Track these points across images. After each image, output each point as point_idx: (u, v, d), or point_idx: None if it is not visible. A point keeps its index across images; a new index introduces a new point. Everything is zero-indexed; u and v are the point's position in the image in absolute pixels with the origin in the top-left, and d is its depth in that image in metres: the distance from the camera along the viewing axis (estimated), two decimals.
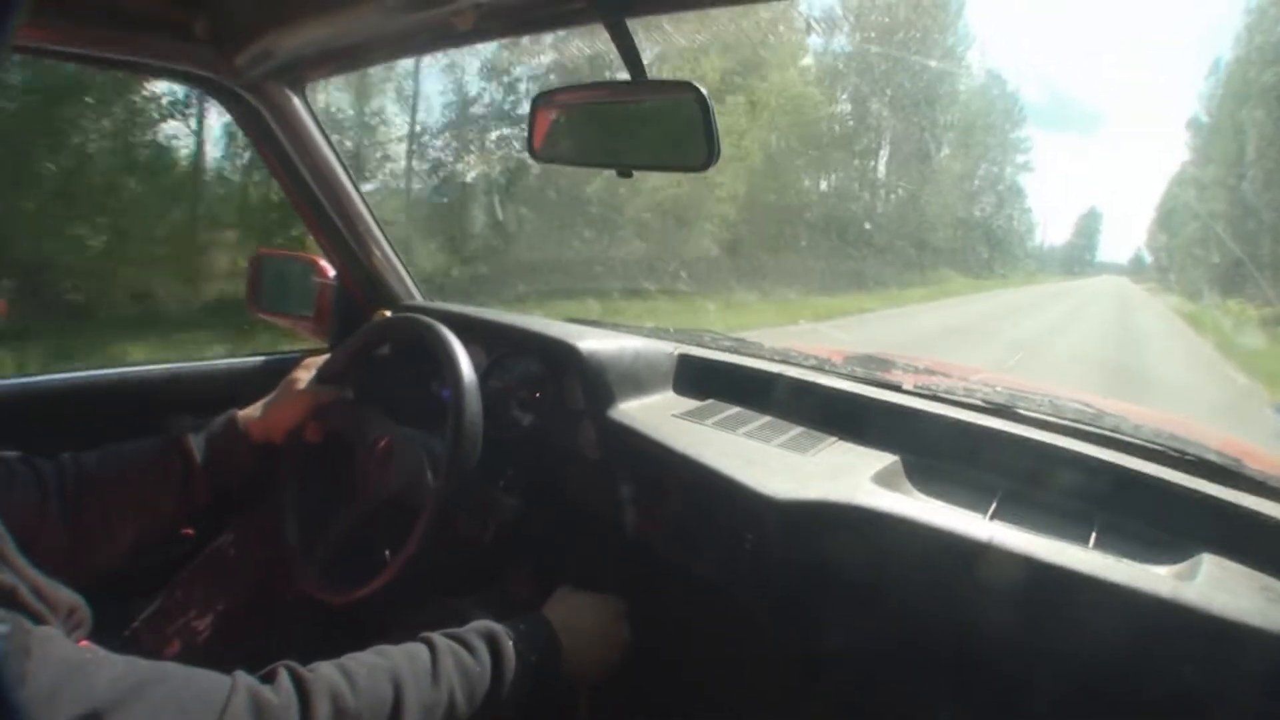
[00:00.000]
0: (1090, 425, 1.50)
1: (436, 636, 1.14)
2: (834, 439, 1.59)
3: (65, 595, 1.09)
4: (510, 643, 1.20)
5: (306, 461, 1.63)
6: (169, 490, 1.42)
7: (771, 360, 1.89)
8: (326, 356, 1.67)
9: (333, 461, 1.62)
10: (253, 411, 1.56)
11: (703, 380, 1.85)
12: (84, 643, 1.02)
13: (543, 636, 1.29)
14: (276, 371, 2.03)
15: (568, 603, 1.44)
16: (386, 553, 1.47)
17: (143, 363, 2.06)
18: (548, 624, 1.32)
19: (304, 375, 1.62)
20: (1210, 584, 1.09)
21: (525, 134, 1.53)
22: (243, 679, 0.93)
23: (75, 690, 0.77)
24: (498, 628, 1.21)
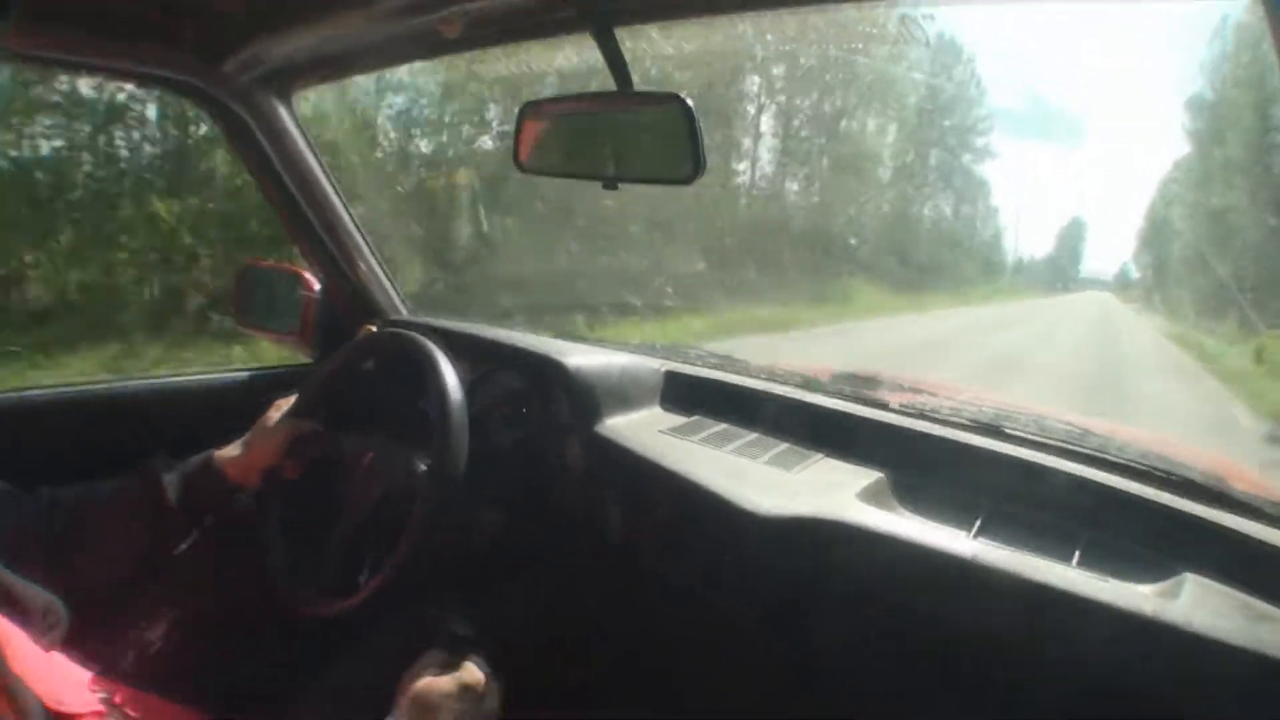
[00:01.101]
0: (1076, 444, 1.49)
1: None
2: (820, 456, 1.58)
3: (41, 596, 1.08)
4: None
5: (289, 493, 1.62)
6: (142, 530, 1.42)
7: (758, 377, 1.89)
8: (295, 396, 1.66)
9: (317, 486, 1.60)
10: (230, 452, 1.54)
11: (689, 396, 1.84)
12: (57, 648, 1.01)
13: None
14: (262, 385, 2.02)
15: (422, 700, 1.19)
16: (363, 573, 1.46)
17: (129, 377, 2.05)
18: None
19: (275, 415, 1.61)
20: (1193, 603, 1.09)
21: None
22: None
23: None
24: None
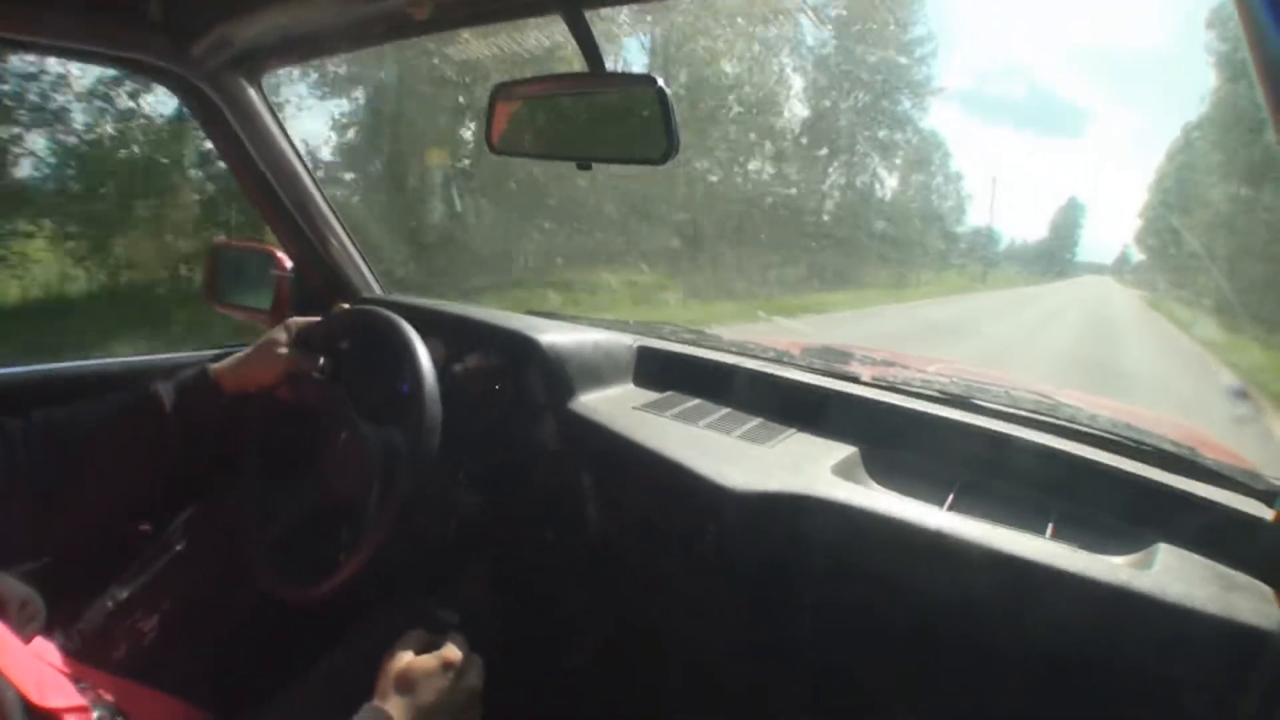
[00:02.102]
0: (1047, 415, 1.51)
1: None
2: (793, 430, 1.59)
3: (17, 589, 1.08)
4: None
5: (269, 434, 1.62)
6: (140, 441, 1.39)
7: (730, 352, 1.90)
8: (309, 319, 1.64)
9: (293, 443, 1.60)
10: (226, 365, 1.52)
11: (662, 373, 1.85)
12: (37, 639, 1.01)
13: None
14: None
15: (403, 679, 1.18)
16: (341, 555, 1.46)
17: (103, 357, 2.03)
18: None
19: (283, 337, 1.59)
20: (1166, 573, 1.11)
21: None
22: None
23: None
24: None
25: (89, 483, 1.33)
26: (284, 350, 1.57)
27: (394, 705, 1.10)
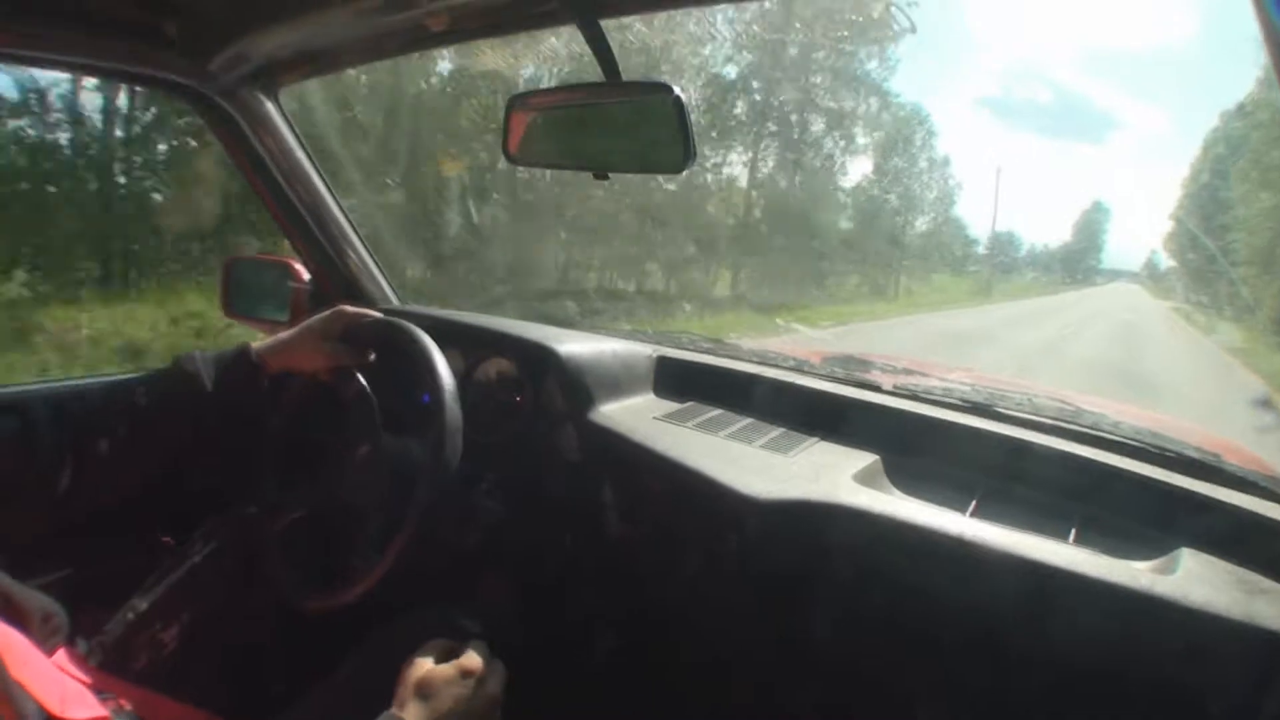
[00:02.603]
0: (1070, 422, 1.51)
1: None
2: (815, 439, 1.59)
3: (40, 601, 1.08)
4: None
5: (292, 425, 1.61)
6: (177, 417, 1.38)
7: (750, 361, 1.90)
8: (359, 311, 1.59)
9: (313, 440, 1.59)
10: (266, 346, 1.49)
11: (682, 382, 1.85)
12: (60, 650, 1.02)
13: None
14: None
15: (423, 687, 1.17)
16: (358, 563, 1.45)
17: (127, 371, 2.04)
18: None
19: (335, 328, 1.55)
20: (1188, 578, 1.10)
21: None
22: None
23: None
24: None
25: (124, 456, 1.32)
26: (329, 345, 1.54)
27: (412, 713, 1.09)
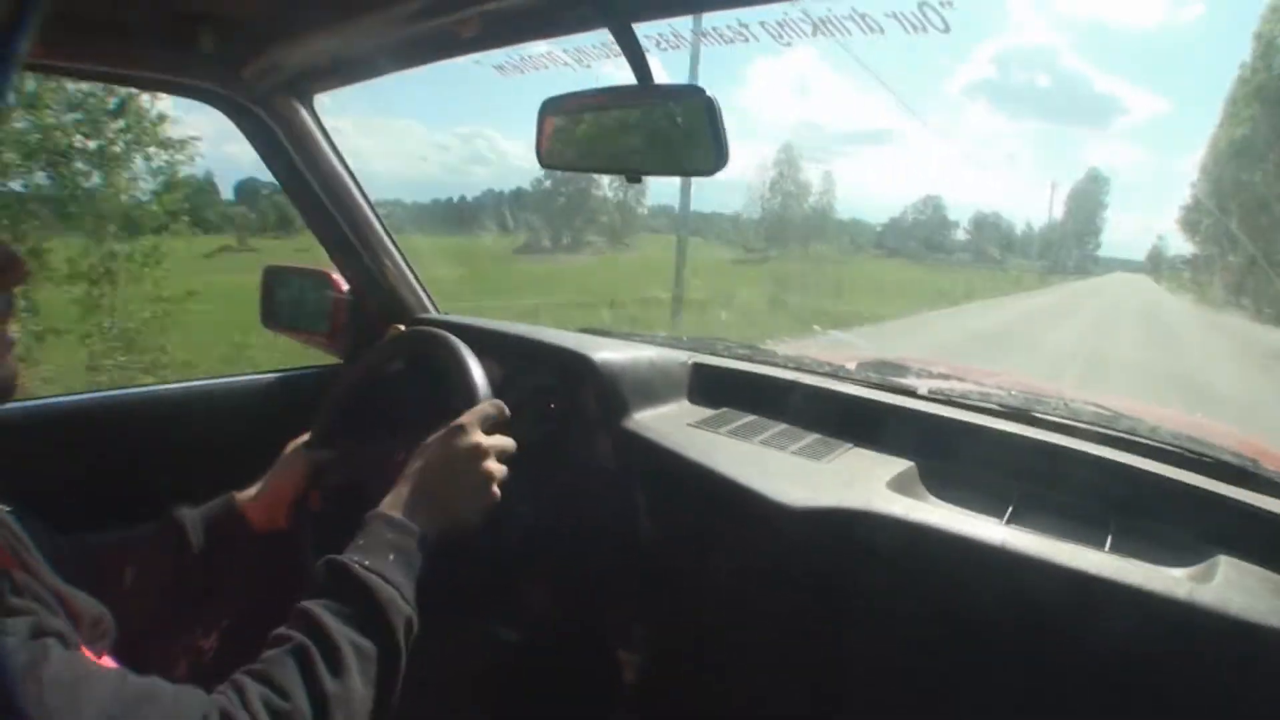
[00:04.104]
0: (1107, 428, 1.49)
1: (308, 606, 1.06)
2: (849, 445, 1.58)
3: (90, 606, 1.09)
4: (358, 567, 1.10)
5: (319, 525, 1.61)
6: (164, 578, 1.40)
7: (785, 368, 1.89)
8: (308, 432, 1.63)
9: (347, 512, 1.60)
10: (251, 493, 1.52)
11: (717, 389, 1.84)
12: (105, 656, 1.02)
13: (390, 532, 1.17)
14: (293, 387, 2.02)
15: (407, 475, 1.27)
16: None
17: (160, 382, 2.06)
18: (386, 519, 1.19)
19: (291, 448, 1.59)
20: (1227, 585, 1.09)
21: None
22: (218, 700, 0.91)
23: (65, 717, 0.77)
24: (337, 559, 1.11)
25: (122, 599, 1.34)
26: (294, 458, 1.57)
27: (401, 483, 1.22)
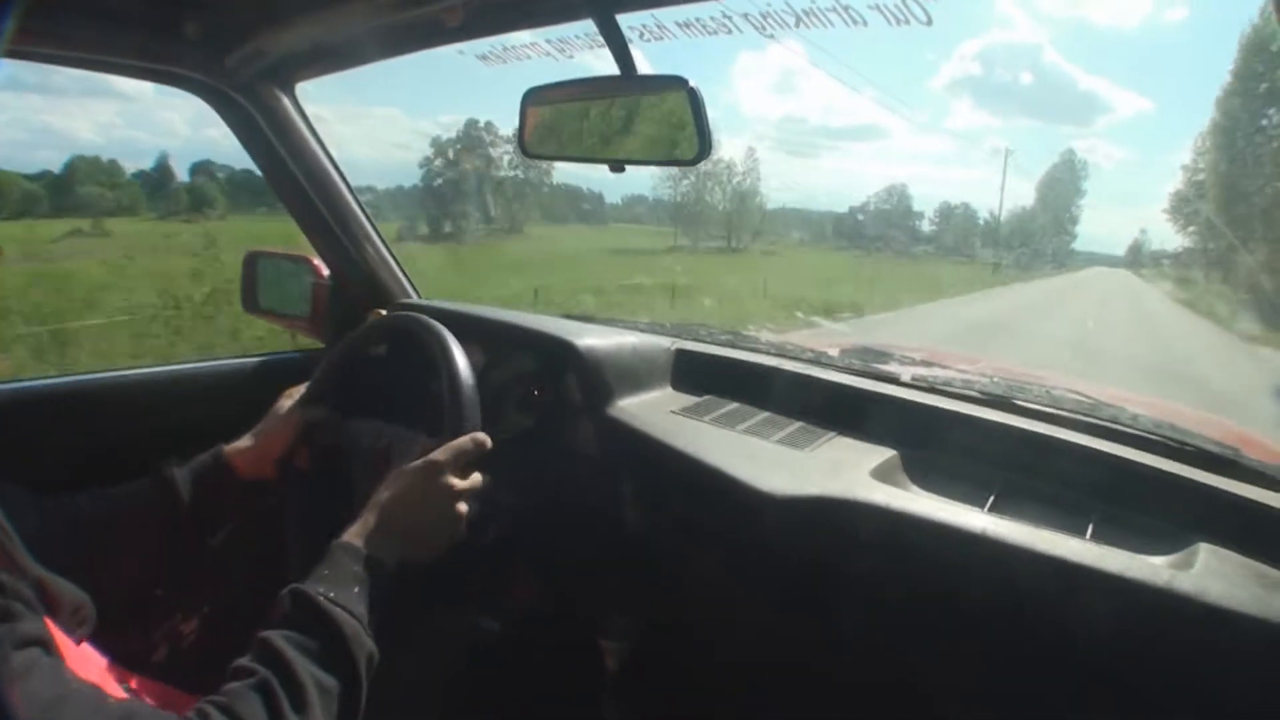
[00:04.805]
0: (1088, 415, 1.50)
1: (271, 638, 1.05)
2: (832, 434, 1.58)
3: (70, 594, 1.09)
4: (324, 600, 1.09)
5: (304, 487, 1.61)
6: (154, 533, 1.40)
7: (768, 354, 1.89)
8: (306, 384, 1.64)
9: (332, 479, 1.60)
10: (240, 445, 1.53)
11: (700, 375, 1.84)
12: (84, 643, 1.02)
13: (356, 568, 1.16)
14: (276, 371, 2.02)
15: (376, 504, 1.27)
16: None
17: (142, 366, 2.05)
18: (352, 550, 1.18)
19: (286, 403, 1.60)
20: (1207, 573, 1.10)
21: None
22: None
23: None
24: (302, 590, 1.10)
25: (115, 563, 1.35)
26: (288, 413, 1.58)
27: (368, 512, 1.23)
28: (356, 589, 1.12)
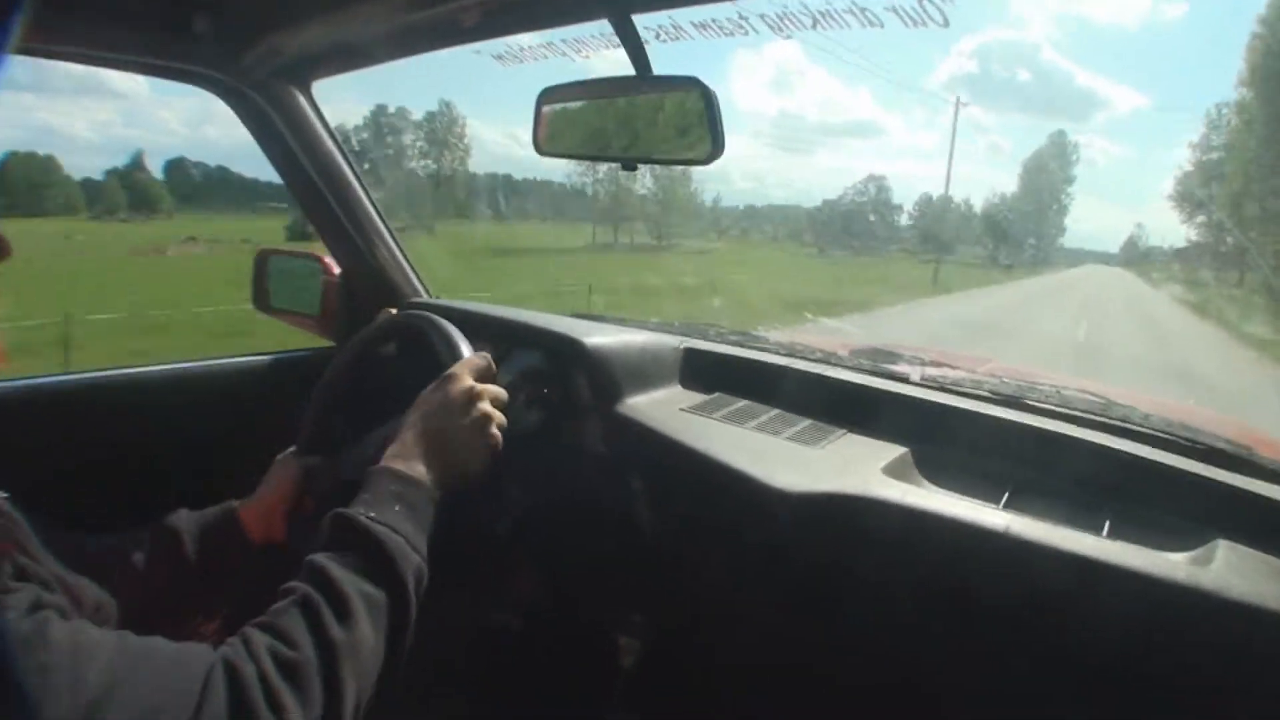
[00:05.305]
0: (1100, 415, 1.50)
1: (315, 558, 1.07)
2: (843, 431, 1.59)
3: (92, 591, 1.10)
4: (367, 521, 1.10)
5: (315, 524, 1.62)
6: (154, 584, 1.38)
7: (778, 353, 1.89)
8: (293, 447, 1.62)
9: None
10: (252, 501, 1.51)
11: (709, 374, 1.85)
12: None
13: (393, 486, 1.17)
14: (286, 368, 2.03)
15: (405, 427, 1.29)
16: None
17: (152, 363, 2.05)
18: (389, 473, 1.19)
19: (281, 458, 1.59)
20: (1226, 569, 1.10)
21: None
22: (223, 652, 0.93)
23: (68, 679, 0.77)
24: (343, 512, 1.12)
25: (106, 608, 1.34)
26: (285, 465, 1.57)
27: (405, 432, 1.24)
28: (398, 507, 1.13)
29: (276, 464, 1.57)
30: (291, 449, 1.61)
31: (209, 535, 1.44)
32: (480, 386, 1.30)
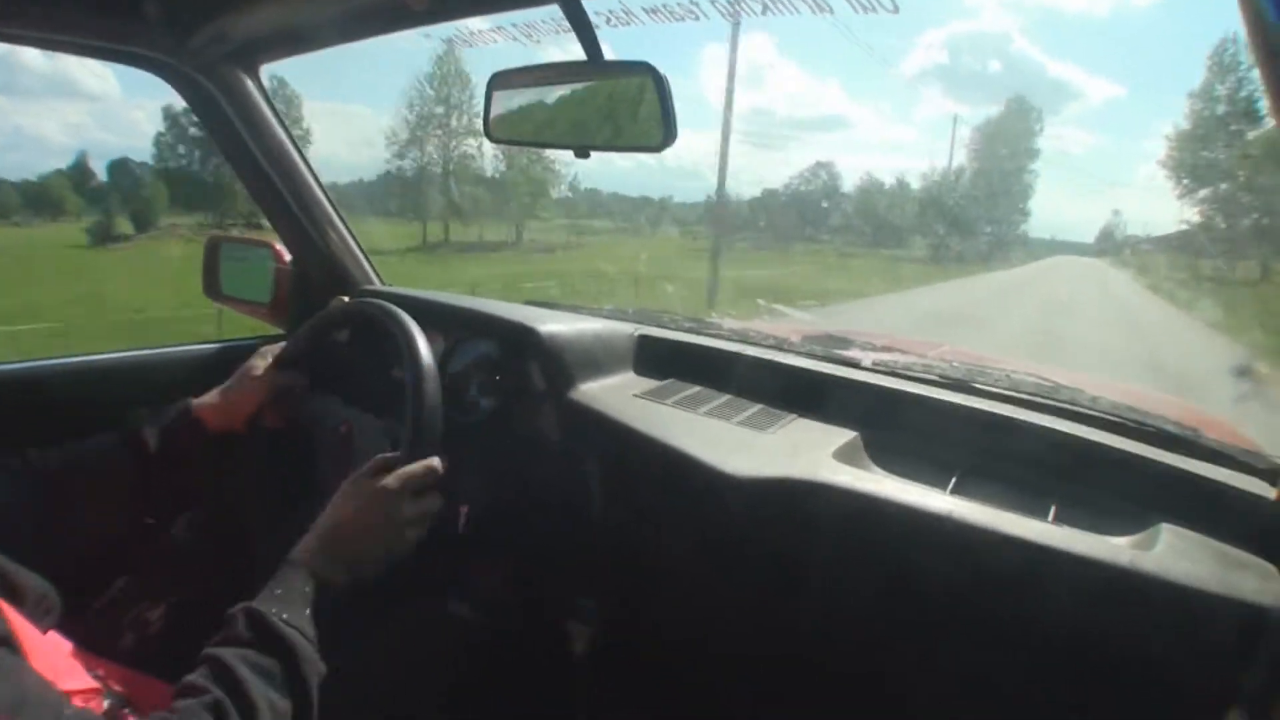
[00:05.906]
0: (1048, 398, 1.52)
1: (223, 656, 1.04)
2: (794, 416, 1.60)
3: (34, 583, 1.09)
4: (278, 619, 1.09)
5: (267, 454, 1.61)
6: (124, 485, 1.41)
7: (730, 339, 1.90)
8: (283, 344, 1.64)
9: (293, 453, 1.60)
10: (209, 399, 1.53)
11: (662, 360, 1.85)
12: (50, 632, 1.02)
13: (303, 583, 1.16)
14: (235, 358, 2.01)
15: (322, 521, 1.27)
16: None
17: (102, 352, 2.03)
18: (301, 569, 1.17)
19: (260, 363, 1.59)
20: (1169, 553, 1.11)
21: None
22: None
23: None
24: (256, 610, 1.10)
25: (79, 521, 1.37)
26: (261, 374, 1.58)
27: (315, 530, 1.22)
28: (308, 610, 1.12)
29: (251, 369, 1.59)
30: (270, 348, 1.63)
31: (169, 429, 1.47)
32: (410, 511, 1.29)
